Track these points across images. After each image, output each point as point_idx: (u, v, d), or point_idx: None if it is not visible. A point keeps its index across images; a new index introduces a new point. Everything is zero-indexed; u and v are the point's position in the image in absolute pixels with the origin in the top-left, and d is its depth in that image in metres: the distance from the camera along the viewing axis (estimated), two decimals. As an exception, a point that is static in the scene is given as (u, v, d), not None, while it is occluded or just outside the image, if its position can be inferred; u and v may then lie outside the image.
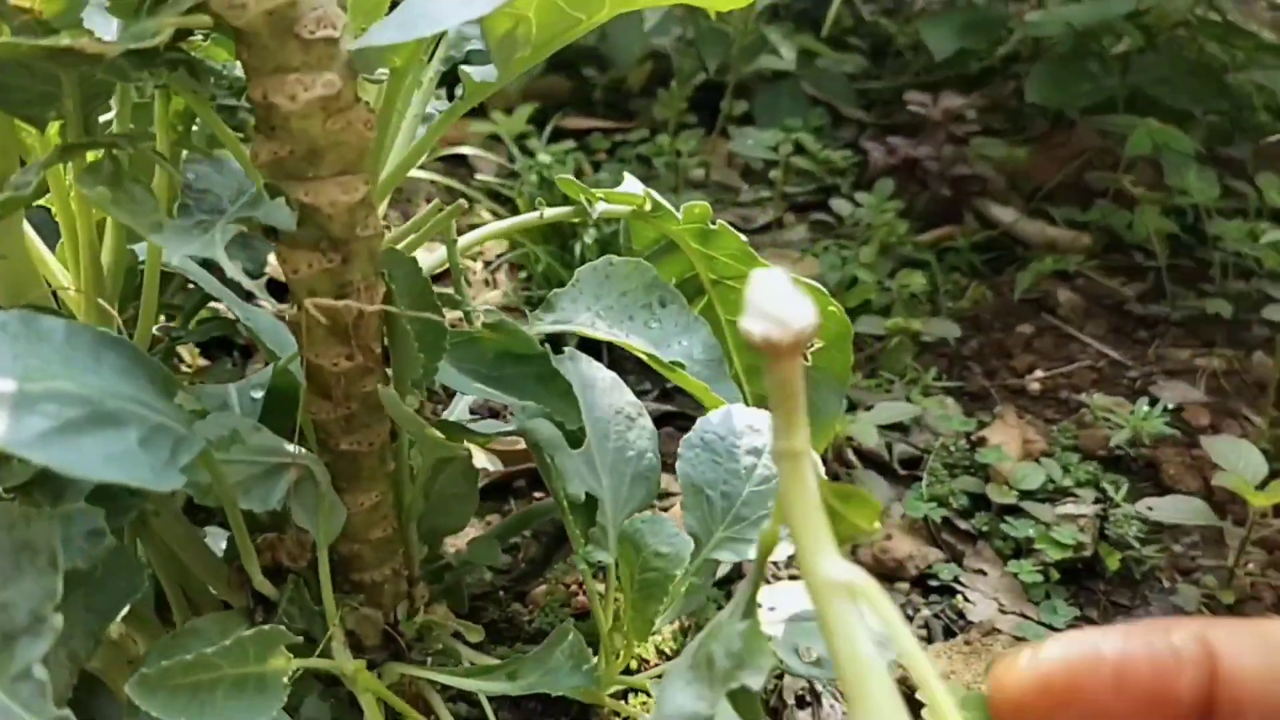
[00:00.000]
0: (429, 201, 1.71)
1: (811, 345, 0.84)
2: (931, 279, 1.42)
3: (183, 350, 1.13)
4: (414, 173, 1.55)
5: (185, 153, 0.64)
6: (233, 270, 0.42)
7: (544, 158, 1.46)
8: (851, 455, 1.12)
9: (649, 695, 0.65)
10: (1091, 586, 0.97)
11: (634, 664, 0.76)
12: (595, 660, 0.61)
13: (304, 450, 0.54)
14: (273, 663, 0.47)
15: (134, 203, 0.44)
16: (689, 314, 0.73)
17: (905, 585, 0.97)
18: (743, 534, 0.60)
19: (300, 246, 0.48)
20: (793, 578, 0.89)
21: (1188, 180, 1.33)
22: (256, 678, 0.46)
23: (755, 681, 0.35)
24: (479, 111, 1.84)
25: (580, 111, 1.88)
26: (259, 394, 0.61)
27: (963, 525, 1.03)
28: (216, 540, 0.68)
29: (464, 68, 0.51)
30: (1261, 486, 0.88)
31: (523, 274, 1.46)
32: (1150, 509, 0.91)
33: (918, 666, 0.25)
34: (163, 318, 0.73)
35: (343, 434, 0.54)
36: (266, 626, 0.45)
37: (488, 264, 1.49)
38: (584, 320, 0.66)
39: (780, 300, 0.22)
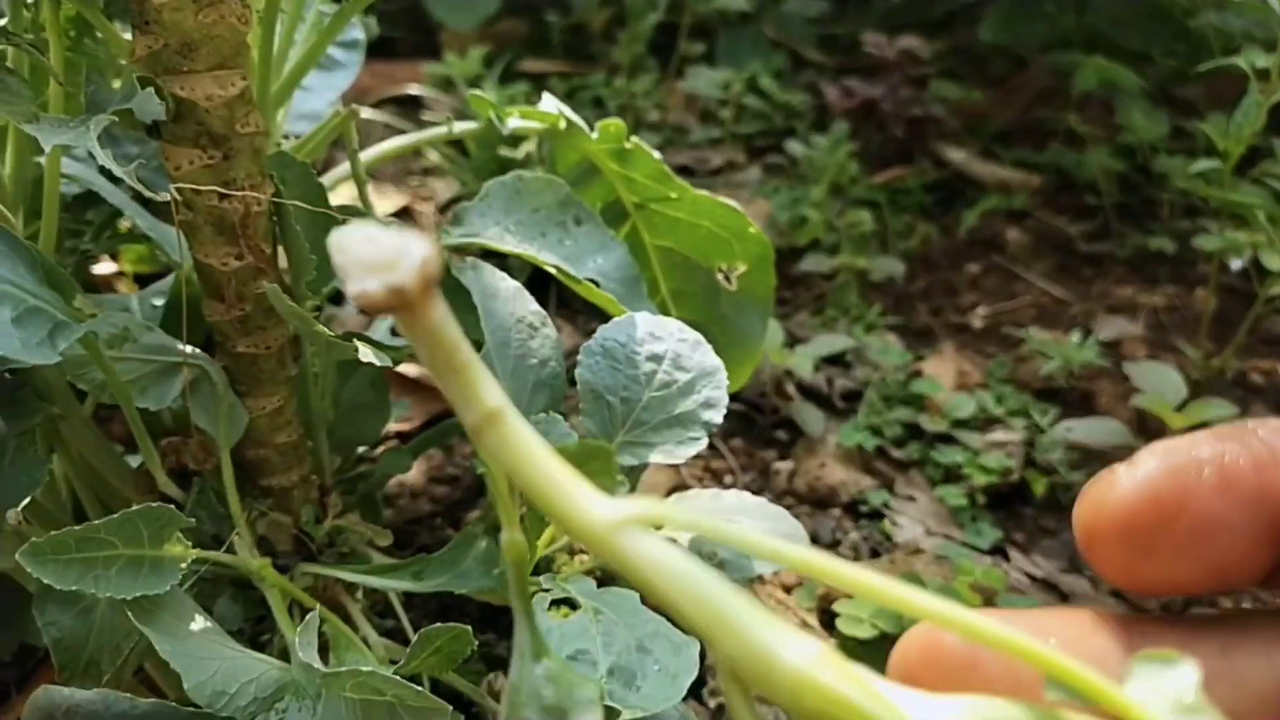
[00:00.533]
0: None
1: (736, 269, 0.85)
2: (881, 219, 1.43)
3: (121, 286, 1.13)
4: (365, 114, 1.54)
5: (117, 84, 0.65)
6: (104, 158, 0.43)
7: (494, 98, 1.45)
8: (791, 388, 1.13)
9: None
10: (1018, 511, 0.99)
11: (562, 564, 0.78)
12: (503, 565, 0.63)
13: (199, 352, 0.55)
14: (169, 549, 0.48)
15: (8, 93, 0.44)
16: (605, 232, 0.74)
17: (837, 511, 0.99)
18: (643, 438, 0.61)
19: (180, 142, 0.49)
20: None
21: (1135, 119, 1.34)
22: (152, 560, 0.47)
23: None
24: (434, 54, 1.83)
25: (539, 55, 1.87)
26: (160, 301, 0.61)
27: (896, 454, 1.04)
28: (138, 460, 0.69)
29: (345, -35, 0.51)
30: (1181, 409, 0.90)
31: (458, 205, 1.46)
32: (1069, 430, 0.92)
33: (765, 549, 0.22)
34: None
35: (239, 336, 0.55)
36: (158, 503, 0.46)
37: (439, 207, 1.49)
38: (492, 235, 0.67)
39: (378, 248, 0.19)
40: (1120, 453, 1.04)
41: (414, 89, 1.61)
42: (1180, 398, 0.90)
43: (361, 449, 0.71)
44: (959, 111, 1.63)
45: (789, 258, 1.37)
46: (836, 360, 1.19)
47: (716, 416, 0.62)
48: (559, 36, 1.92)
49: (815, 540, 0.95)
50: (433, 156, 1.49)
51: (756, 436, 1.09)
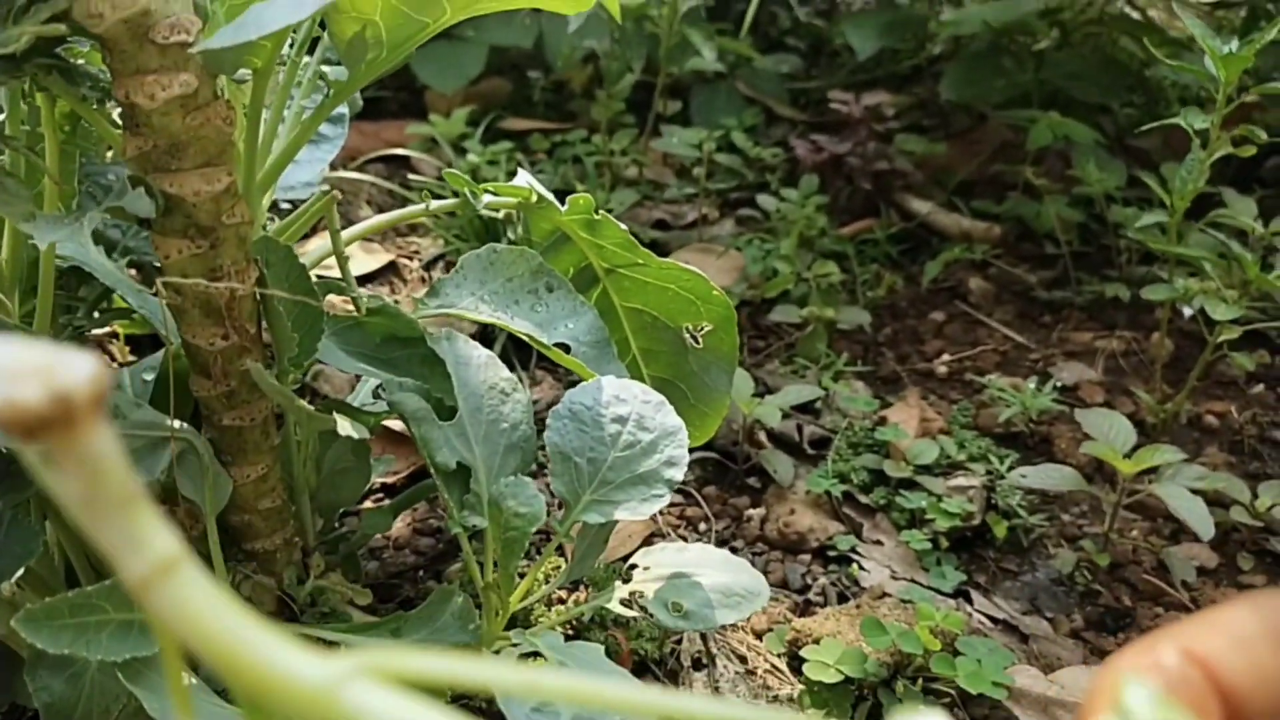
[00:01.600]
0: (369, 203, 1.75)
1: (702, 329, 0.89)
2: (849, 269, 1.48)
3: (114, 349, 1.17)
4: (353, 175, 1.59)
5: (109, 156, 0.69)
6: (96, 255, 0.46)
7: (474, 158, 1.50)
8: (762, 436, 1.17)
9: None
10: (980, 554, 1.03)
11: (538, 616, 0.81)
12: (479, 620, 0.66)
13: (186, 425, 0.58)
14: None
15: (6, 194, 0.48)
16: (575, 299, 0.78)
17: (807, 556, 1.02)
18: (609, 497, 0.65)
19: (170, 234, 0.52)
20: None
21: (1089, 170, 1.40)
22: (141, 624, 0.50)
23: None
24: (422, 114, 1.88)
25: (522, 113, 1.93)
26: (150, 376, 0.65)
27: (863, 499, 1.08)
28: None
29: (324, 67, 0.56)
30: (1130, 455, 0.94)
31: (433, 278, 1.50)
32: (1024, 476, 0.96)
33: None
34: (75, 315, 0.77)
35: (225, 409, 0.59)
36: (136, 577, 0.49)
37: (424, 263, 1.53)
38: (468, 305, 0.71)
39: (33, 354, 0.16)
40: (1076, 496, 1.08)
41: (402, 150, 1.66)
42: (1130, 444, 0.94)
43: (342, 511, 0.74)
44: (923, 165, 1.69)
45: (760, 308, 1.41)
46: (806, 408, 1.23)
47: (678, 474, 0.66)
48: (541, 95, 1.98)
49: (786, 585, 0.98)
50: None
51: (729, 484, 1.13)
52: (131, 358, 1.13)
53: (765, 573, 0.99)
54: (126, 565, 0.17)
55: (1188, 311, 1.21)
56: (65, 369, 0.16)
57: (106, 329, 1.17)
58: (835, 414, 1.20)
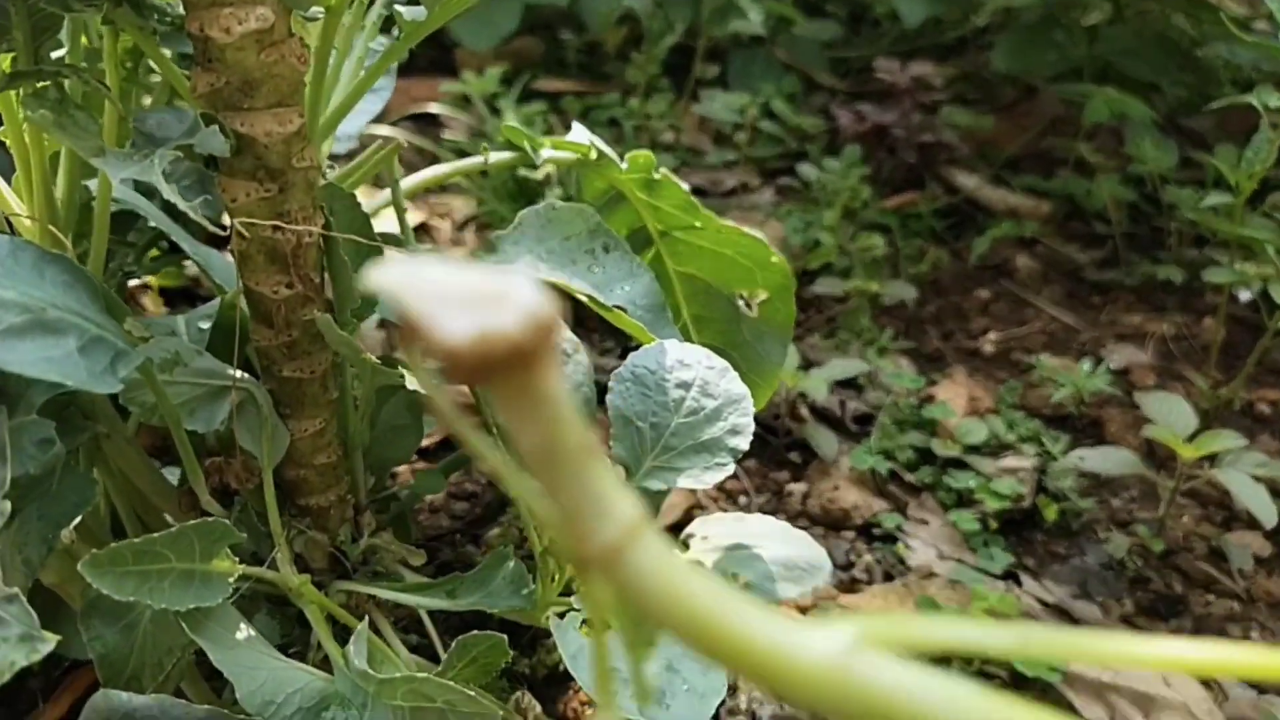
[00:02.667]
0: (400, 161, 1.73)
1: (757, 296, 0.87)
2: (892, 243, 1.45)
3: (146, 301, 1.15)
4: (383, 130, 1.57)
5: (148, 100, 0.67)
6: (169, 192, 0.44)
7: (512, 118, 1.47)
8: (804, 411, 1.15)
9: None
10: (1029, 536, 1.01)
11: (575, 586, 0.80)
12: (533, 585, 0.64)
13: (246, 375, 0.56)
14: (217, 564, 0.50)
15: (77, 127, 0.46)
16: (632, 260, 0.76)
17: (850, 533, 1.01)
18: (671, 464, 0.63)
19: (238, 175, 0.50)
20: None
21: (1144, 149, 1.36)
22: (202, 574, 0.49)
23: None
24: (451, 71, 1.85)
25: (554, 74, 1.90)
26: (206, 324, 0.63)
27: (908, 478, 1.06)
28: (173, 476, 0.71)
29: (397, 7, 0.53)
30: (1191, 439, 0.92)
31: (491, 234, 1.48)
32: (1082, 459, 0.94)
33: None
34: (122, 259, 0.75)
35: (285, 360, 0.57)
36: (211, 519, 0.48)
37: (456, 224, 1.51)
38: (525, 262, 0.69)
39: (472, 283, 0.14)
40: (1126, 481, 1.06)
41: (432, 107, 1.63)
42: (1190, 429, 0.91)
43: (392, 469, 0.72)
44: (969, 138, 1.65)
45: (802, 280, 1.39)
46: (849, 383, 1.20)
47: (743, 443, 0.64)
48: (574, 56, 1.94)
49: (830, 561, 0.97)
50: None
51: (770, 458, 1.11)
52: (165, 309, 1.11)
53: (807, 548, 0.98)
54: (589, 529, 0.15)
55: (1244, 296, 1.18)
56: (507, 299, 0.13)
57: (140, 280, 1.15)
58: (879, 390, 1.18)
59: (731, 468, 0.63)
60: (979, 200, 1.56)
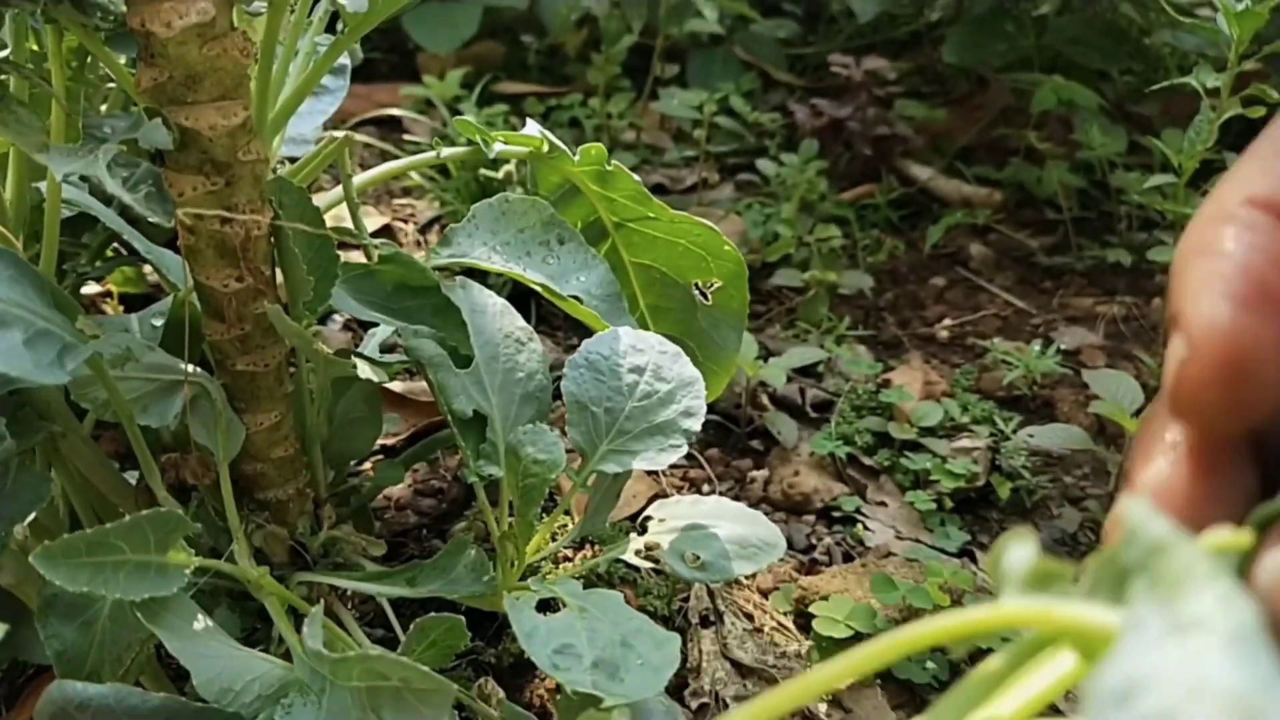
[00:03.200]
0: (362, 166, 1.73)
1: (712, 285, 0.88)
2: (850, 235, 1.47)
3: (107, 308, 1.15)
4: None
5: (104, 106, 0.67)
6: (113, 186, 0.45)
7: (473, 120, 1.48)
8: (764, 399, 1.17)
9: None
10: (984, 515, 1.03)
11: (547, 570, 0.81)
12: (494, 572, 0.65)
13: (199, 370, 0.57)
14: (173, 556, 0.50)
15: (19, 123, 0.47)
16: (586, 251, 0.77)
17: (811, 517, 1.02)
18: (626, 446, 0.64)
19: (184, 170, 0.51)
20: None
21: (1092, 135, 1.39)
22: (158, 566, 0.49)
23: None
24: (413, 76, 1.85)
25: (516, 77, 1.90)
26: (159, 322, 0.64)
27: (867, 461, 1.08)
28: (134, 479, 0.71)
29: (340, 0, 0.54)
30: (1138, 414, 0.94)
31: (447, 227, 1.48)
32: (1031, 436, 0.96)
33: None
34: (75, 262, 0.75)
35: (238, 354, 0.57)
36: (164, 509, 0.48)
37: (419, 226, 1.51)
38: (480, 254, 0.69)
39: None
40: (1078, 458, 1.08)
41: (394, 111, 1.63)
42: (1137, 404, 0.94)
43: (353, 463, 0.73)
44: (923, 130, 1.68)
45: (761, 273, 1.40)
46: (808, 371, 1.22)
47: (695, 425, 0.65)
48: (535, 58, 1.95)
49: (791, 545, 0.98)
50: (414, 176, 1.52)
51: (732, 447, 1.13)
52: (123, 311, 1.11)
53: (770, 533, 0.99)
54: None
55: (1190, 276, 1.21)
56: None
57: (101, 287, 1.15)
58: (838, 377, 1.20)
59: (685, 449, 0.64)
60: (933, 191, 1.59)
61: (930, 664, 0.81)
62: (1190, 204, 1.20)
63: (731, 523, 0.67)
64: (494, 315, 0.65)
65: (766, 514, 1.04)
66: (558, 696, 0.54)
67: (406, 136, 1.59)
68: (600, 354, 0.65)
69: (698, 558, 0.64)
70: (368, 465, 0.73)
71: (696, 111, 1.57)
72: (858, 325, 1.32)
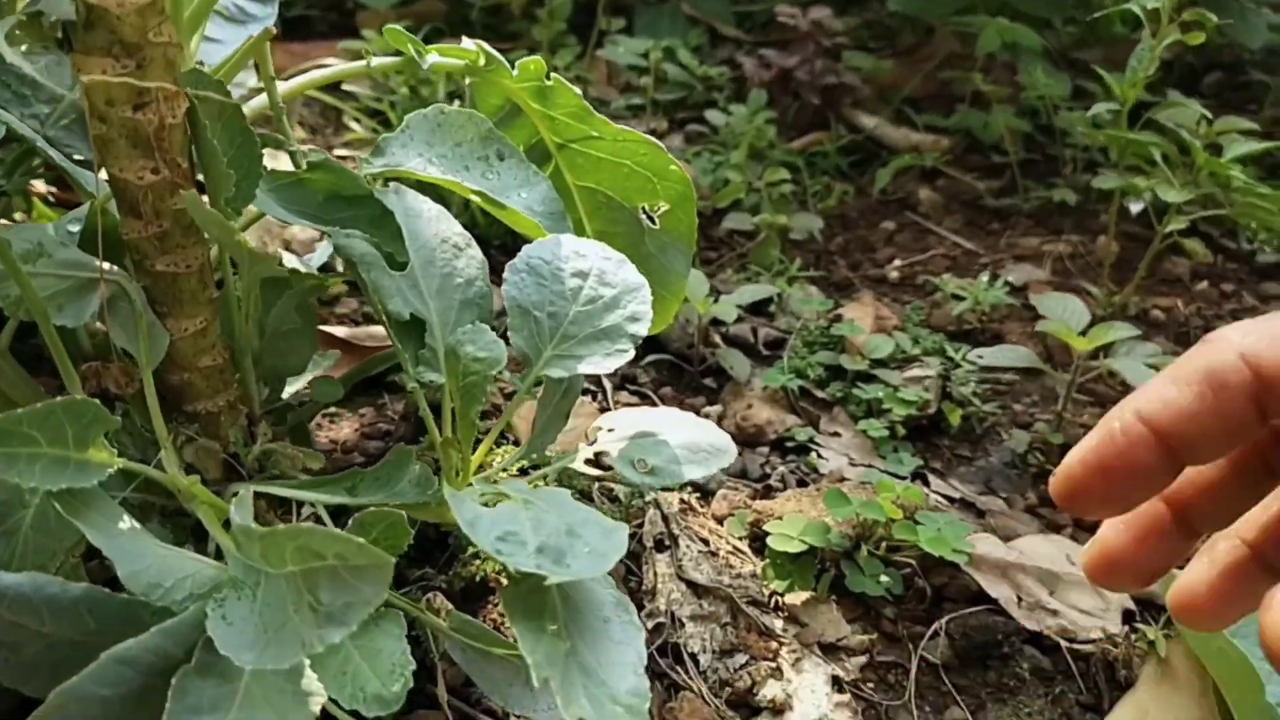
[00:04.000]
0: (301, 124, 1.68)
1: (659, 208, 0.87)
2: (800, 182, 1.46)
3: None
4: (284, 85, 1.52)
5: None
6: (12, 55, 0.42)
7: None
8: (717, 339, 1.16)
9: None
10: (935, 442, 1.03)
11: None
12: (437, 484, 0.64)
13: (116, 268, 0.54)
14: (94, 453, 0.48)
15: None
16: (527, 168, 0.75)
17: (765, 448, 1.02)
18: (571, 351, 0.62)
19: (93, 52, 0.48)
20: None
21: (1037, 76, 1.40)
22: (77, 462, 0.47)
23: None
24: (351, 33, 1.81)
25: (458, 34, 1.87)
26: (75, 228, 0.61)
27: (819, 394, 1.08)
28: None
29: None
30: (1084, 334, 0.95)
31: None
32: (980, 356, 0.96)
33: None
34: None
35: (157, 254, 0.55)
36: (79, 398, 0.45)
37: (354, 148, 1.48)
38: (415, 165, 0.67)
39: None
40: (1027, 387, 1.09)
41: (331, 61, 1.59)
42: (1083, 323, 0.94)
43: (290, 389, 0.70)
44: (871, 81, 1.68)
45: (712, 219, 1.39)
46: (760, 310, 1.22)
47: (642, 329, 0.64)
48: (478, 15, 1.92)
49: (745, 475, 0.97)
50: (355, 128, 1.49)
51: (686, 385, 1.12)
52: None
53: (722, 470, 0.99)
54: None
55: (1134, 209, 1.22)
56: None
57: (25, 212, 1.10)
58: (789, 316, 1.20)
59: (631, 354, 0.63)
60: (881, 139, 1.59)
61: (884, 577, 0.81)
62: (1131, 134, 1.21)
63: (681, 429, 0.66)
64: (429, 220, 0.63)
65: (720, 448, 1.03)
66: (502, 579, 0.52)
67: (350, 88, 1.56)
68: (542, 258, 0.63)
69: (647, 463, 0.63)
70: (305, 385, 0.71)
71: (643, 59, 1.56)
72: (808, 268, 1.32)
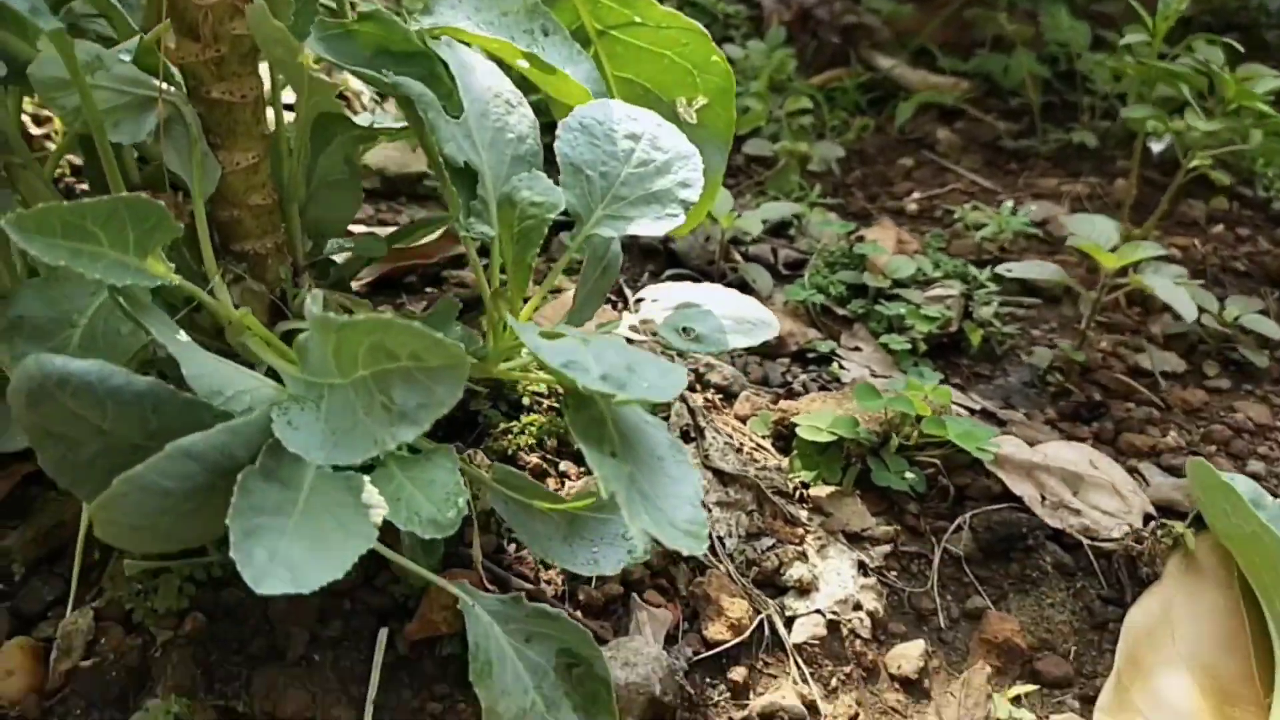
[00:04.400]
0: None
1: (696, 103, 0.86)
2: (819, 116, 1.46)
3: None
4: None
5: None
6: None
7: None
8: (737, 256, 1.15)
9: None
10: (955, 361, 1.03)
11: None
12: (481, 343, 0.63)
13: (173, 89, 0.53)
14: (152, 264, 0.47)
15: None
16: (572, 45, 0.74)
17: (786, 359, 1.02)
18: (622, 212, 0.62)
19: None
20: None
21: (1060, 19, 1.39)
22: (136, 269, 0.46)
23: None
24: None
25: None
26: (127, 57, 0.59)
27: (840, 311, 1.08)
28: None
29: None
30: (1113, 251, 0.95)
31: None
32: (1009, 270, 0.97)
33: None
34: None
35: (213, 80, 0.54)
36: (143, 196, 0.45)
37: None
38: (464, 25, 0.66)
39: None
40: (1048, 313, 1.10)
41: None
42: (1113, 242, 0.95)
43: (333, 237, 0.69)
44: (890, 23, 1.67)
45: (734, 143, 1.39)
46: (780, 233, 1.21)
47: (693, 195, 0.63)
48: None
49: (766, 382, 0.98)
50: None
51: (705, 301, 1.11)
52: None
53: (744, 373, 0.99)
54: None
55: (1156, 148, 1.22)
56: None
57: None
58: (809, 239, 1.19)
59: (682, 218, 0.62)
60: (900, 80, 1.58)
61: (910, 474, 0.81)
62: (1163, 64, 1.21)
63: (725, 303, 0.66)
64: (483, 74, 0.62)
65: (740, 356, 1.03)
66: (567, 399, 0.51)
67: None
68: (595, 119, 0.63)
69: (692, 330, 0.63)
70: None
71: (666, -14, 1.54)
72: (826, 196, 1.32)
